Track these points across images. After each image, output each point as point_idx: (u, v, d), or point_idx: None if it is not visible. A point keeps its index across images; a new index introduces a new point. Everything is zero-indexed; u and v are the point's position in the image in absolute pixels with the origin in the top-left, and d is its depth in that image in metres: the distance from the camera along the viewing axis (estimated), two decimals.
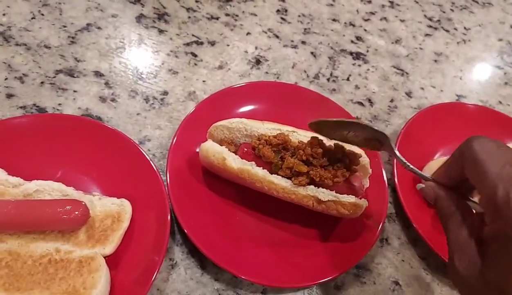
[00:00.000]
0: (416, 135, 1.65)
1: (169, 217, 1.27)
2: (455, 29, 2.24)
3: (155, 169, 1.35)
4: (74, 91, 1.58)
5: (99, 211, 1.26)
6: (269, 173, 1.32)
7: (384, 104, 1.83)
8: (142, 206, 1.31)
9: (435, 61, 2.06)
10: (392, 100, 1.85)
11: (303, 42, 1.96)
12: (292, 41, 1.96)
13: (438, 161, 1.53)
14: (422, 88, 1.93)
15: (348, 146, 1.33)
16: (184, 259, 1.32)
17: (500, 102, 1.97)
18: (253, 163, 1.31)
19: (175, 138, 1.44)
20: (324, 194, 1.28)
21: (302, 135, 1.39)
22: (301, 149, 1.31)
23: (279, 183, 1.29)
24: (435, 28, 2.20)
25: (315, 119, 1.23)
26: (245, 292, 1.30)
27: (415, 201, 1.52)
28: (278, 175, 1.31)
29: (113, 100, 1.59)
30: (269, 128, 1.38)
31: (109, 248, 1.19)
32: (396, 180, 1.51)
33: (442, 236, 1.43)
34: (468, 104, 1.83)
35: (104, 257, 1.18)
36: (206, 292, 1.28)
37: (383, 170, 1.52)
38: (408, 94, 1.89)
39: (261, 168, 1.31)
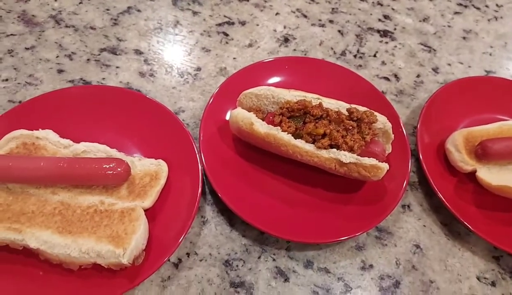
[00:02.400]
0: (441, 108, 1.68)
1: (200, 178, 1.39)
2: (487, 6, 2.22)
3: (189, 135, 1.47)
4: (117, 67, 1.73)
5: (139, 170, 1.39)
6: (294, 137, 1.40)
7: (410, 80, 1.86)
8: (177, 168, 1.43)
9: (464, 38, 2.06)
10: (418, 76, 1.88)
11: (331, 21, 2.02)
12: (320, 20, 2.02)
13: (461, 131, 1.55)
14: (449, 65, 1.94)
15: (366, 110, 1.40)
16: (215, 217, 1.43)
17: None
18: (279, 128, 1.40)
19: (207, 108, 1.55)
20: (346, 157, 1.35)
21: (327, 102, 1.46)
22: (323, 114, 1.39)
23: (303, 146, 1.37)
24: (465, 6, 2.19)
25: None
26: (271, 248, 1.39)
27: (438, 170, 1.55)
28: (302, 139, 1.40)
29: (151, 75, 1.73)
30: (294, 96, 1.46)
31: (148, 201, 1.32)
32: (420, 149, 1.55)
33: (464, 203, 1.50)
34: (495, 77, 1.83)
35: (144, 209, 1.31)
36: (235, 247, 1.38)
37: (406, 137, 1.56)
38: (435, 70, 1.91)
39: (286, 133, 1.39)
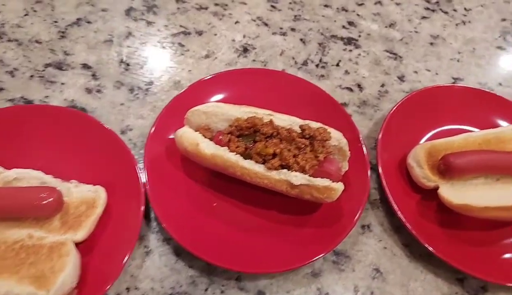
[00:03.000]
0: (404, 119, 1.59)
1: (142, 204, 1.30)
2: (454, 10, 2.14)
3: (132, 157, 1.38)
4: (62, 83, 1.62)
5: (75, 198, 1.28)
6: (243, 158, 1.31)
7: (374, 89, 1.78)
8: (119, 194, 1.34)
9: (431, 44, 1.98)
10: (383, 85, 1.80)
11: (293, 29, 1.94)
12: (281, 28, 1.93)
13: (424, 145, 1.47)
14: (416, 72, 1.86)
15: (319, 127, 1.32)
16: (159, 246, 1.34)
17: (500, 84, 1.88)
18: (226, 148, 1.31)
19: (154, 126, 1.46)
20: (297, 178, 1.26)
21: (279, 119, 1.37)
22: (274, 132, 1.31)
23: (252, 167, 1.28)
24: (433, 10, 2.12)
25: None
26: (220, 278, 1.30)
27: (400, 187, 1.47)
28: (251, 160, 1.31)
29: (98, 91, 1.63)
30: (245, 112, 1.37)
31: (81, 233, 1.22)
32: (380, 164, 1.47)
33: (426, 222, 1.42)
34: (461, 86, 1.76)
35: (77, 243, 1.22)
36: (180, 279, 1.29)
37: (365, 153, 1.47)
38: (401, 78, 1.83)
39: (234, 153, 1.30)
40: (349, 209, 1.39)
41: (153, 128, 1.45)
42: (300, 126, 1.33)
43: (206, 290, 1.28)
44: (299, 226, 1.38)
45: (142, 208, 1.29)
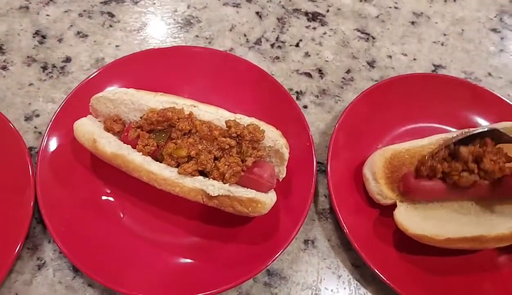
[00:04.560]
0: (367, 114, 1.33)
1: (32, 208, 1.07)
2: None
3: (26, 152, 1.14)
4: None
5: None
6: (154, 159, 1.06)
7: (338, 76, 1.51)
8: (5, 194, 1.11)
9: (412, 23, 1.69)
10: (348, 71, 1.52)
11: (248, 0, 1.65)
12: None
13: (384, 151, 1.20)
14: (390, 57, 1.58)
15: (249, 124, 1.06)
16: (55, 259, 1.11)
17: (489, 74, 1.59)
18: (129, 146, 1.06)
19: (56, 114, 1.20)
20: (214, 187, 1.02)
21: (204, 111, 1.12)
22: (192, 128, 1.05)
23: (160, 172, 1.04)
24: None
25: None
26: None
27: (352, 197, 1.23)
28: (164, 162, 1.06)
29: (3, 68, 1.37)
30: (160, 101, 1.11)
31: None
32: (329, 170, 1.22)
33: (380, 243, 1.18)
34: (442, 75, 1.48)
35: None
36: None
37: (313, 155, 1.22)
38: (371, 63, 1.55)
39: (141, 153, 1.05)
40: (287, 221, 1.15)
41: (54, 116, 1.19)
42: (226, 122, 1.07)
43: None
44: (226, 241, 1.14)
45: (31, 210, 1.07)
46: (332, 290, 1.15)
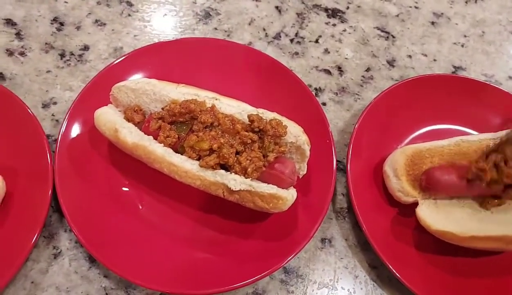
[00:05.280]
0: (387, 113, 1.32)
1: (50, 196, 1.06)
2: None
3: (44, 139, 1.12)
4: None
5: None
6: (174, 151, 1.05)
7: (357, 74, 1.49)
8: (23, 181, 1.10)
9: (433, 23, 1.67)
10: (368, 69, 1.51)
11: None
12: None
13: (405, 149, 1.19)
14: (410, 56, 1.56)
15: (272, 119, 1.05)
16: (71, 249, 1.10)
17: (510, 77, 1.57)
18: (151, 137, 1.04)
19: (75, 102, 1.19)
20: (236, 182, 1.00)
21: (226, 104, 1.10)
22: (214, 121, 1.04)
23: (181, 165, 1.02)
24: None
25: None
26: (140, 293, 1.07)
27: (372, 196, 1.22)
28: (184, 154, 1.05)
29: (22, 53, 1.35)
30: (182, 93, 1.10)
31: None
32: (350, 168, 1.20)
33: (399, 243, 1.16)
34: (462, 77, 1.46)
35: None
36: (91, 290, 1.06)
37: (333, 152, 1.20)
38: (390, 62, 1.54)
39: (163, 145, 1.04)
40: (306, 219, 1.14)
41: (73, 104, 1.18)
42: (249, 117, 1.05)
43: None
44: (243, 237, 1.13)
45: (49, 198, 1.06)
46: (348, 290, 1.14)
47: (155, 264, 1.05)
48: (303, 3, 1.63)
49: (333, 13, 1.62)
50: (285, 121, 1.09)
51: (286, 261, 1.07)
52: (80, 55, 1.37)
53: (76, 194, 1.09)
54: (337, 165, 1.23)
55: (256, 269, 1.06)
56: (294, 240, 1.11)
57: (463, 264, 1.14)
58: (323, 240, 1.20)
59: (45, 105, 1.28)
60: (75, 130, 1.17)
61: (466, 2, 1.76)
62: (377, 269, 1.17)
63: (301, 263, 1.16)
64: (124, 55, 1.28)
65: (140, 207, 1.12)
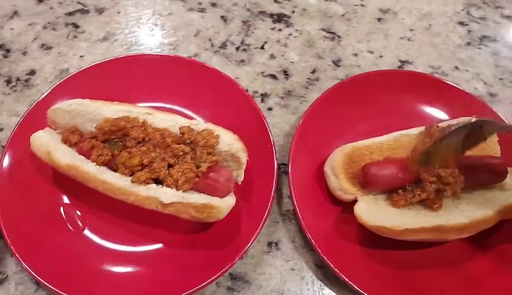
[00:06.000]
0: (328, 113, 1.33)
1: None
2: None
3: None
4: None
5: None
6: (110, 169, 1.07)
7: (303, 77, 1.51)
8: None
9: (379, 20, 1.69)
10: (314, 71, 1.53)
11: (213, 4, 1.65)
12: (200, 3, 1.65)
13: (344, 148, 1.21)
14: (356, 55, 1.58)
15: (203, 130, 1.07)
16: (18, 272, 1.12)
17: (456, 67, 1.59)
18: (84, 157, 1.07)
19: (16, 127, 1.21)
20: (167, 195, 1.02)
21: (159, 119, 1.12)
22: (145, 137, 1.06)
23: (114, 182, 1.04)
24: None
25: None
26: None
27: (315, 197, 1.23)
28: (117, 171, 1.07)
29: None
30: (115, 111, 1.12)
31: None
32: (291, 170, 1.22)
33: (343, 242, 1.18)
34: (406, 71, 1.48)
35: None
36: None
37: (274, 157, 1.22)
38: (336, 62, 1.56)
39: (95, 163, 1.06)
40: (249, 224, 1.15)
41: (14, 131, 1.21)
42: (180, 129, 1.07)
43: None
44: (188, 247, 1.15)
45: None
46: (295, 292, 1.15)
47: (103, 281, 1.07)
48: (248, 10, 1.65)
49: (279, 18, 1.65)
50: (218, 130, 1.11)
51: (228, 267, 1.08)
52: (26, 80, 1.40)
53: (18, 219, 1.11)
54: (282, 168, 1.25)
55: (202, 277, 1.07)
56: (237, 246, 1.12)
57: (405, 257, 1.15)
58: (269, 244, 1.22)
59: None
60: (17, 156, 1.19)
61: None
62: (323, 268, 1.18)
63: (248, 269, 1.18)
64: (62, 79, 1.30)
65: (81, 226, 1.14)
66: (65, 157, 1.06)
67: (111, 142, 1.09)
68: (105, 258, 1.11)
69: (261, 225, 1.13)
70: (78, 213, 1.16)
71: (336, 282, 1.16)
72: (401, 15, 1.71)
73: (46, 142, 1.08)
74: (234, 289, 1.15)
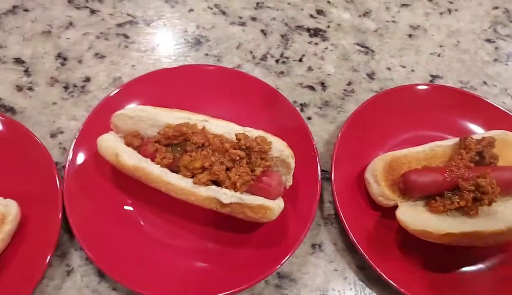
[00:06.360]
0: (367, 123, 1.42)
1: (60, 218, 1.16)
2: None
3: (53, 166, 1.24)
4: None
5: None
6: (171, 171, 1.16)
7: (339, 88, 1.60)
8: (36, 206, 1.20)
9: (410, 36, 1.78)
10: (349, 83, 1.62)
11: (253, 19, 1.75)
12: (241, 17, 1.75)
13: (384, 157, 1.29)
14: (389, 69, 1.67)
15: (257, 137, 1.16)
16: (82, 265, 1.20)
17: (484, 82, 1.67)
18: (148, 160, 1.15)
19: (80, 131, 1.30)
20: (227, 196, 1.11)
21: (215, 125, 1.21)
22: (205, 142, 1.15)
23: (177, 183, 1.13)
24: None
25: None
26: None
27: (356, 202, 1.31)
28: (180, 173, 1.15)
29: (30, 89, 1.47)
30: (176, 117, 1.21)
31: None
32: (334, 177, 1.30)
33: (383, 245, 1.25)
34: (438, 85, 1.56)
35: None
36: None
37: (318, 163, 1.30)
38: (370, 75, 1.64)
39: (159, 165, 1.15)
40: (295, 227, 1.23)
41: (78, 133, 1.30)
42: (236, 136, 1.16)
43: None
44: (239, 246, 1.23)
45: (59, 220, 1.16)
46: (339, 291, 1.23)
47: (159, 274, 1.15)
48: (286, 25, 1.75)
49: (315, 32, 1.74)
50: (270, 137, 1.20)
51: (278, 266, 1.16)
52: (82, 87, 1.49)
53: (84, 215, 1.19)
54: (323, 174, 1.33)
55: (251, 275, 1.15)
56: (285, 246, 1.20)
57: (443, 261, 1.23)
58: (313, 246, 1.29)
59: (52, 135, 1.39)
60: (81, 156, 1.27)
61: (441, 14, 1.87)
62: (364, 270, 1.26)
63: (294, 268, 1.25)
64: (121, 85, 1.40)
65: (142, 224, 1.23)
66: (131, 159, 1.15)
67: (173, 146, 1.17)
68: (163, 253, 1.19)
69: (307, 227, 1.21)
70: (138, 211, 1.24)
71: (377, 283, 1.24)
72: (430, 32, 1.80)
73: (113, 145, 1.17)
74: (282, 287, 1.22)
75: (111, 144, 1.17)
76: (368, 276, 1.25)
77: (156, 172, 1.13)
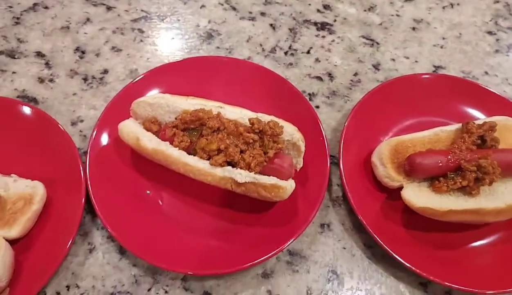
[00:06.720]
0: (373, 111, 1.48)
1: (83, 200, 1.24)
2: None
3: (76, 151, 1.31)
4: (13, 72, 1.56)
5: (13, 193, 1.23)
6: (188, 153, 1.23)
7: (346, 79, 1.67)
8: (60, 188, 1.28)
9: (413, 28, 1.85)
10: (356, 74, 1.68)
11: (263, 14, 1.82)
12: (250, 12, 1.82)
13: (390, 141, 1.35)
14: (393, 60, 1.74)
15: (269, 121, 1.22)
16: (104, 243, 1.27)
17: (486, 72, 1.74)
18: (167, 143, 1.23)
19: (100, 118, 1.38)
20: (242, 176, 1.18)
21: (229, 111, 1.28)
22: (220, 126, 1.22)
23: (195, 164, 1.20)
24: None
25: None
26: (164, 278, 1.23)
27: (363, 184, 1.37)
28: (196, 155, 1.22)
29: (51, 80, 1.55)
30: (192, 104, 1.28)
31: (16, 230, 1.16)
32: (342, 160, 1.37)
33: (389, 223, 1.32)
34: (441, 74, 1.62)
35: (15, 240, 1.17)
36: (123, 278, 1.23)
37: (326, 147, 1.37)
38: (376, 66, 1.71)
39: (177, 148, 1.22)
40: (305, 207, 1.30)
41: (99, 120, 1.37)
42: (249, 120, 1.23)
43: (149, 290, 1.21)
44: (251, 225, 1.29)
45: (83, 202, 1.23)
46: (347, 268, 1.29)
47: (177, 251, 1.22)
48: (294, 19, 1.82)
49: (322, 26, 1.81)
50: (281, 122, 1.27)
51: (289, 243, 1.22)
52: (101, 78, 1.57)
53: (106, 197, 1.27)
54: (331, 158, 1.39)
55: (264, 251, 1.21)
56: (295, 225, 1.26)
57: (447, 238, 1.29)
58: (322, 225, 1.36)
59: (73, 123, 1.47)
60: (102, 142, 1.35)
61: (444, 8, 1.94)
62: (372, 248, 1.32)
63: (304, 246, 1.32)
64: (139, 76, 1.47)
65: (161, 204, 1.30)
66: (151, 143, 1.22)
67: (190, 130, 1.24)
68: (180, 232, 1.26)
69: (317, 207, 1.27)
70: (157, 192, 1.32)
71: (383, 259, 1.30)
72: (433, 25, 1.87)
73: (134, 130, 1.24)
74: (292, 263, 1.29)
75: (132, 129, 1.24)
76: (375, 253, 1.31)
77: (175, 154, 1.20)
